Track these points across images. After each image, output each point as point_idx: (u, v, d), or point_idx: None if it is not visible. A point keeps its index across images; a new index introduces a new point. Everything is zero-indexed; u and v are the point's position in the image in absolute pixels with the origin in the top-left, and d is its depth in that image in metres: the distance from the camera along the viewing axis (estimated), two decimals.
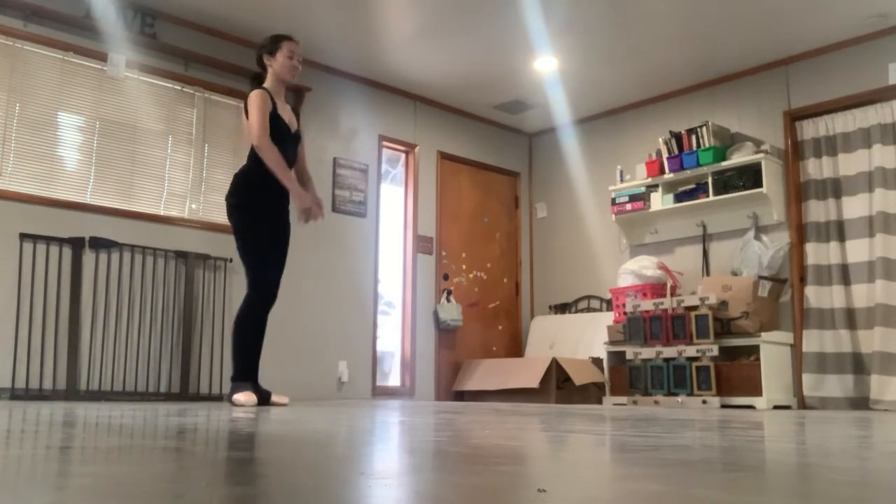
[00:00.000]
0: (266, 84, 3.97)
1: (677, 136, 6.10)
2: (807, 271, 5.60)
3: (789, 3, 5.04)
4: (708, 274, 6.05)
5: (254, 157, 3.86)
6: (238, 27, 5.48)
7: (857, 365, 5.32)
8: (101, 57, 4.96)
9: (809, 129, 5.74)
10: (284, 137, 3.92)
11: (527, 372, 6.03)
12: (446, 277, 6.76)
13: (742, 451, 1.60)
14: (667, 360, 5.46)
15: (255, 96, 3.84)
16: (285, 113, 4.00)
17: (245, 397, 3.76)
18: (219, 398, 5.11)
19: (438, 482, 1.08)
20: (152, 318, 4.97)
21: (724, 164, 5.81)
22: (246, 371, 3.87)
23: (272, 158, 3.77)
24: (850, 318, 5.38)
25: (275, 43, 3.99)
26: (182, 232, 5.19)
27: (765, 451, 1.68)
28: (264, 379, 5.39)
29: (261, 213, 3.89)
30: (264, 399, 3.94)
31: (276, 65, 3.97)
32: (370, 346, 6.07)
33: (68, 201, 4.75)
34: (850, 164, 5.50)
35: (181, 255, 5.12)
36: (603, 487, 1.07)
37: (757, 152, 5.69)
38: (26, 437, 1.73)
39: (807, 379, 5.43)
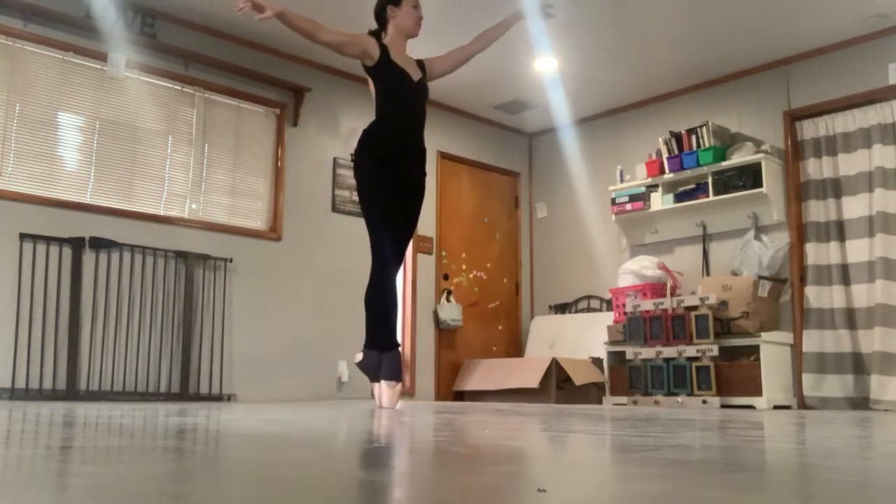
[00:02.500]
0: (385, 39, 3.78)
1: (677, 136, 6.09)
2: (807, 271, 5.60)
3: (789, 3, 5.04)
4: (708, 274, 6.05)
5: (377, 113, 3.74)
6: (238, 27, 5.47)
7: (857, 365, 5.31)
8: (101, 57, 4.96)
9: (809, 129, 5.73)
10: (401, 86, 3.72)
11: (527, 372, 6.03)
12: (446, 277, 6.75)
13: (742, 451, 1.60)
14: (667, 360, 5.45)
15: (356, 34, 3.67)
16: (405, 63, 3.76)
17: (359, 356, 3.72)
18: (219, 398, 5.11)
19: (438, 482, 1.08)
20: (152, 318, 4.96)
21: (724, 164, 5.80)
22: (371, 339, 3.72)
23: (294, 19, 3.53)
24: (850, 318, 5.38)
25: None
26: (182, 232, 5.18)
27: (765, 451, 1.68)
28: (266, 377, 5.43)
29: (378, 166, 3.70)
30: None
31: (401, 14, 3.78)
32: None
33: (68, 201, 4.75)
34: (850, 164, 5.50)
35: (181, 255, 5.12)
36: (603, 487, 1.07)
37: (757, 152, 5.68)
38: (26, 437, 1.72)
39: (807, 379, 5.43)
